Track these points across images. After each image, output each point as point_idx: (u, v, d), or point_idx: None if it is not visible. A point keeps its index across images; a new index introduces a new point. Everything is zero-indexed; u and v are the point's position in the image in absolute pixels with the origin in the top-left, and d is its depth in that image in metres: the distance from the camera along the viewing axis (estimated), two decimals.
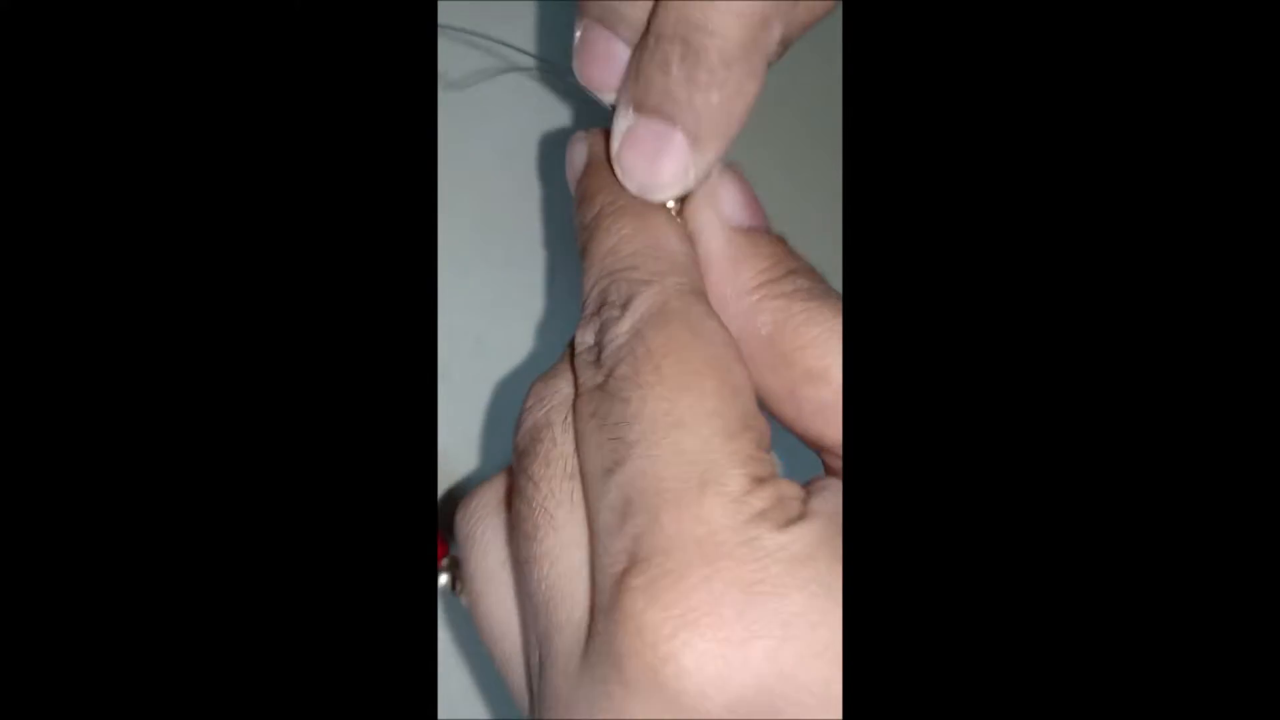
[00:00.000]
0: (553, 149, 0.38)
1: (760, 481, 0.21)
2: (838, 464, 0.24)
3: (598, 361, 0.24)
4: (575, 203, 0.27)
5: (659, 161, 0.25)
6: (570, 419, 0.24)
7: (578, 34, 0.26)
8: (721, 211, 0.26)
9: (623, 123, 0.26)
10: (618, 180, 0.26)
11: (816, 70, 0.35)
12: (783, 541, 0.21)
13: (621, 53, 0.26)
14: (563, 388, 0.25)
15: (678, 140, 0.25)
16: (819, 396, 0.24)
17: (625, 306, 0.24)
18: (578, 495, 0.23)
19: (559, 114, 0.38)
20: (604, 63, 0.26)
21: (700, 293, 0.24)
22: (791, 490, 0.22)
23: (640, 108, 0.25)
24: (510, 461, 0.26)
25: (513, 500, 0.25)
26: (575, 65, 0.27)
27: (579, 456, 0.24)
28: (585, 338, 0.25)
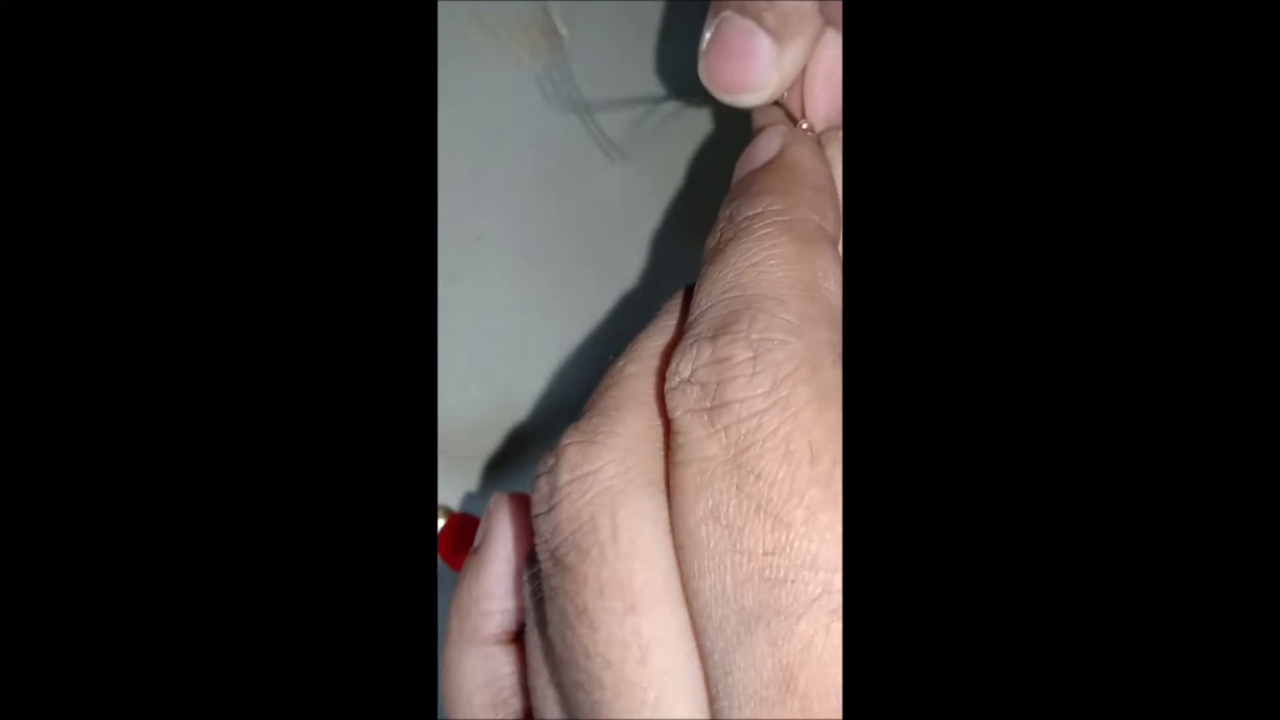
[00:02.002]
0: (595, 150, 0.38)
1: None
2: None
3: (710, 416, 0.19)
4: (731, 195, 0.24)
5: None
6: (630, 506, 0.19)
7: (708, 32, 0.25)
8: None
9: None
10: (801, 192, 0.23)
11: None
12: None
13: (760, 46, 0.24)
14: (610, 457, 0.20)
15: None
16: None
17: (758, 355, 0.19)
18: (673, 617, 0.19)
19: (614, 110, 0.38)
20: (743, 58, 0.24)
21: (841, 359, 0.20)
22: None
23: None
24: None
25: (547, 622, 0.20)
26: (703, 67, 0.25)
27: (678, 552, 0.19)
28: (686, 367, 0.20)
